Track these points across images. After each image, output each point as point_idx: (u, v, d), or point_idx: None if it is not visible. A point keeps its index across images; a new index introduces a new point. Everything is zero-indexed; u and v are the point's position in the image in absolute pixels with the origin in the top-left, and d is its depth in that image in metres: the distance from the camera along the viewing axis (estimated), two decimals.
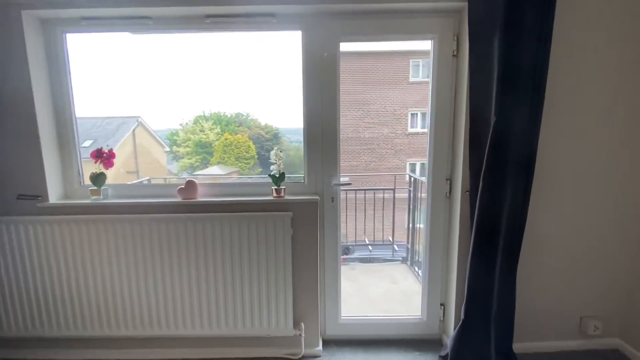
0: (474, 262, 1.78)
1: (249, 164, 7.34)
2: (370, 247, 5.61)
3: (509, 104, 1.62)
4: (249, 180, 2.02)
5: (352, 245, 5.86)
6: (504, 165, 1.67)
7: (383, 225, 4.52)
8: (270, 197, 1.95)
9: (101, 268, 1.92)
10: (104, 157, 1.96)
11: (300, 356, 2.01)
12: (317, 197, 1.96)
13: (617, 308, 2.02)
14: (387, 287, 3.01)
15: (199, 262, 1.91)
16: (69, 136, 2.00)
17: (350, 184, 2.13)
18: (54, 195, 1.96)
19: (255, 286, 1.93)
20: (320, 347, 2.08)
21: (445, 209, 2.07)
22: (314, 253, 1.98)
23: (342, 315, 2.19)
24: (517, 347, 1.84)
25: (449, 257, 2.10)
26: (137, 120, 8.83)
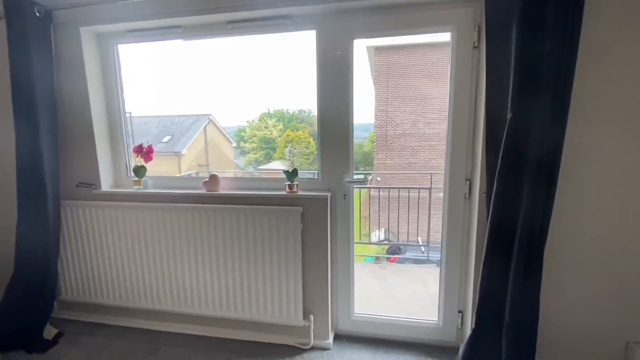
0: (487, 269, 1.66)
1: (308, 159, 7.51)
2: (423, 249, 5.43)
3: (526, 99, 1.47)
4: (276, 176, 2.15)
5: (403, 244, 5.75)
6: (520, 165, 1.53)
7: (418, 226, 4.34)
8: (284, 192, 2.04)
9: (139, 248, 2.20)
10: (144, 152, 2.24)
11: (309, 346, 2.08)
12: (328, 194, 2.00)
13: None
14: (414, 290, 2.91)
15: (218, 248, 2.08)
16: (118, 134, 2.32)
17: (361, 181, 2.12)
18: (106, 184, 2.29)
19: (267, 275, 2.05)
20: (330, 340, 2.12)
21: (463, 211, 1.95)
22: (324, 248, 2.02)
23: (355, 311, 2.20)
24: None
25: (467, 262, 1.98)
26: (208, 117, 9.64)
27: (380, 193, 4.29)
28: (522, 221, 1.55)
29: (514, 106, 1.50)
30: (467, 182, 1.92)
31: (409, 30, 1.88)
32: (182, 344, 2.14)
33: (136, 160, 2.24)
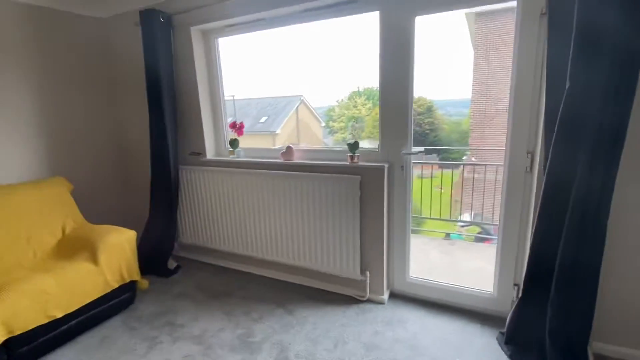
0: (537, 237, 1.67)
1: None
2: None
3: (585, 68, 1.41)
4: (336, 148, 2.41)
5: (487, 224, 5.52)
6: (576, 137, 1.48)
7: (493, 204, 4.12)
8: (346, 163, 2.30)
9: (233, 204, 2.73)
10: (237, 127, 2.73)
11: (365, 298, 2.36)
12: (385, 164, 2.18)
13: None
14: (480, 266, 2.90)
15: (291, 207, 2.47)
16: (219, 113, 2.86)
17: (420, 152, 2.22)
18: (210, 153, 2.88)
19: (330, 233, 2.36)
20: (385, 296, 2.36)
21: (524, 185, 1.93)
22: (380, 213, 2.23)
23: (410, 274, 2.38)
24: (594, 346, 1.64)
25: (525, 236, 1.96)
26: (300, 98, 10.29)
27: (475, 175, 4.18)
28: (576, 193, 1.51)
29: (572, 77, 1.45)
30: (529, 154, 1.89)
31: (472, 2, 1.88)
32: (264, 283, 2.65)
33: (231, 135, 2.76)
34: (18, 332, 1.76)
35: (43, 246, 2.30)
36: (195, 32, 2.67)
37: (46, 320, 1.87)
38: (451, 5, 1.94)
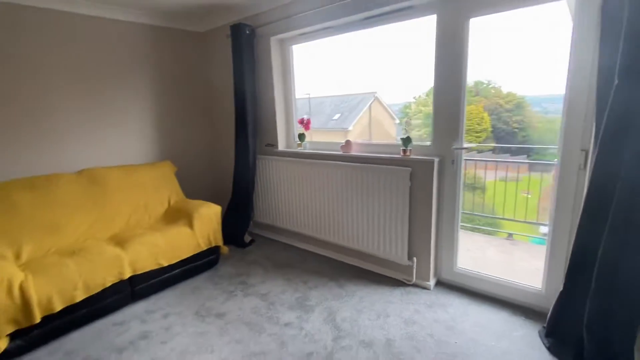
0: (581, 232, 1.69)
1: (480, 137, 6.69)
2: None
3: (634, 63, 1.42)
4: (391, 143, 2.60)
5: None
6: (623, 132, 1.49)
7: None
8: (399, 156, 2.50)
9: (299, 189, 3.13)
10: (304, 123, 3.11)
11: (411, 283, 2.54)
12: (435, 158, 2.33)
13: None
14: (539, 267, 2.81)
15: (349, 194, 2.76)
16: (290, 111, 3.29)
17: (467, 148, 2.31)
18: (281, 145, 3.32)
19: (382, 219, 2.60)
20: (431, 282, 2.51)
21: (577, 182, 1.92)
22: (428, 204, 2.39)
23: (458, 265, 2.49)
24: None
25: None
26: (374, 95, 10.50)
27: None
28: (620, 191, 1.52)
29: (621, 73, 1.47)
30: (583, 152, 1.88)
31: (525, 2, 1.94)
32: (320, 260, 3.00)
33: (299, 129, 3.16)
34: (139, 272, 2.39)
35: (155, 212, 2.98)
36: (273, 41, 3.11)
37: (156, 267, 2.48)
38: (505, 6, 2.01)
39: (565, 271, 1.80)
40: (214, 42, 3.57)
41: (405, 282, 2.58)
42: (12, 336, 1.90)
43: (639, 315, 1.58)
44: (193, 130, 3.76)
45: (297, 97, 3.33)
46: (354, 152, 2.80)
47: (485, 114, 6.99)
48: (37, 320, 1.92)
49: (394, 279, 2.63)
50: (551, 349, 1.84)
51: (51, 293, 1.99)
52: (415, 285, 2.54)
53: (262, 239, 3.55)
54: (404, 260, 2.54)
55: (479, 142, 6.65)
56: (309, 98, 5.18)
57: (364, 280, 2.65)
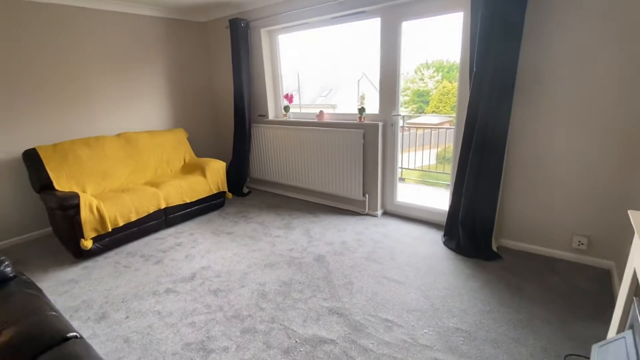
0: (461, 157, 2.70)
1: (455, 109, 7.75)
2: None
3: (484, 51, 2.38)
4: (353, 112, 3.52)
5: None
6: (480, 85, 2.47)
7: None
8: (355, 121, 3.46)
9: (285, 150, 4.08)
10: (288, 97, 4.03)
11: (364, 213, 3.57)
12: (379, 122, 3.30)
13: (611, 231, 2.35)
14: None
15: (321, 151, 3.72)
16: (278, 88, 4.18)
17: (401, 115, 3.27)
18: (271, 115, 4.24)
19: (343, 168, 3.58)
20: (379, 212, 3.54)
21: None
22: (376, 156, 3.37)
23: (397, 200, 3.52)
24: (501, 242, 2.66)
25: None
26: (362, 73, 11.22)
27: None
28: (479, 126, 2.51)
29: (477, 60, 2.43)
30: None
31: (435, 13, 2.85)
32: (301, 203, 4.00)
33: (285, 103, 4.08)
34: (170, 205, 3.35)
35: (175, 167, 3.91)
36: (263, 32, 3.96)
37: (181, 202, 3.45)
38: (423, 14, 2.92)
39: (452, 189, 2.82)
40: (215, 31, 4.39)
41: (360, 212, 3.61)
42: (94, 240, 2.86)
43: (494, 212, 2.61)
44: (201, 104, 4.63)
45: (284, 75, 4.22)
46: (325, 119, 3.75)
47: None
48: (109, 229, 2.89)
49: (353, 211, 3.66)
50: (445, 243, 2.89)
51: (115, 214, 2.94)
52: (367, 215, 3.57)
53: (257, 191, 4.53)
54: (360, 197, 3.55)
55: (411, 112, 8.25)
56: (298, 76, 6.03)
57: (332, 213, 3.67)
